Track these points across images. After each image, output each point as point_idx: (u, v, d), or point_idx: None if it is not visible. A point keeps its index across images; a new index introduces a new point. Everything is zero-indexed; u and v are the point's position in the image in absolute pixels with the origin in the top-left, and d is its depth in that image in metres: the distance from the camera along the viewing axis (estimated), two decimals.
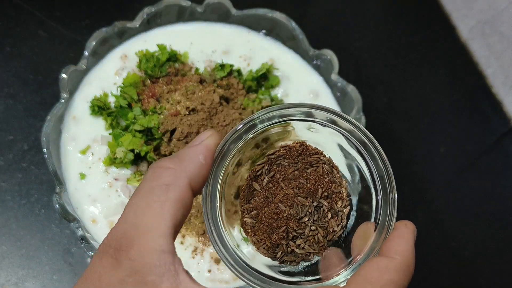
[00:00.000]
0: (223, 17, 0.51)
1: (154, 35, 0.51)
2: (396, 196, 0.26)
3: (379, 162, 0.28)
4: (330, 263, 0.28)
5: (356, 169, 0.29)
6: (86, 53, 0.47)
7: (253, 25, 0.52)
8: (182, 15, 0.51)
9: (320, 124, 0.28)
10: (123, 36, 0.50)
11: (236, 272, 0.25)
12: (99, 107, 0.46)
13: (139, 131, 0.45)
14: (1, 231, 0.47)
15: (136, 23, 0.49)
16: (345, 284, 0.23)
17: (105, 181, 0.45)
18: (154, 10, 0.49)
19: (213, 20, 0.52)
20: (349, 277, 0.25)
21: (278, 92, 0.50)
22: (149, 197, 0.24)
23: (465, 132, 0.57)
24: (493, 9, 0.57)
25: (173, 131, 0.45)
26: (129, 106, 0.46)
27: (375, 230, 0.27)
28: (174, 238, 0.24)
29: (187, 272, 0.23)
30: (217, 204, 0.26)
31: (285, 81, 0.50)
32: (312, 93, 0.50)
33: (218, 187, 0.27)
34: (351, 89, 0.48)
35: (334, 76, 0.49)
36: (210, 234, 0.26)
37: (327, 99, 0.50)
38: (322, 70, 0.51)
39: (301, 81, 0.51)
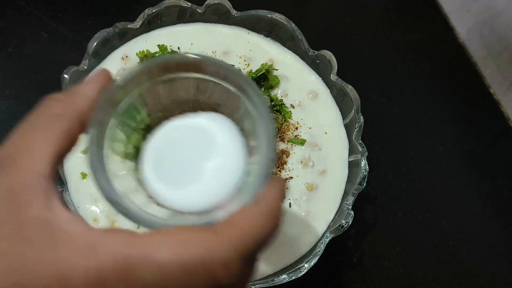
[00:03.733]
0: (223, 18, 0.52)
1: (155, 36, 0.51)
2: (271, 153, 0.26)
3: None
4: None
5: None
6: (87, 54, 0.47)
7: (253, 26, 0.52)
8: (182, 16, 0.51)
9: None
10: (124, 37, 0.50)
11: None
12: None
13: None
14: None
15: (137, 24, 0.49)
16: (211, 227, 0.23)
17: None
18: (154, 11, 0.49)
19: (213, 21, 0.52)
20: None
21: (277, 93, 0.50)
22: (36, 123, 0.24)
23: (463, 132, 0.57)
24: (491, 10, 0.57)
25: None
26: None
27: None
28: (55, 167, 0.24)
29: (61, 202, 0.23)
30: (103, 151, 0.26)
31: (284, 82, 0.50)
32: (311, 93, 0.51)
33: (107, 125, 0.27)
34: (350, 89, 0.48)
35: (333, 77, 0.49)
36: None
37: (326, 99, 0.51)
38: (321, 70, 0.51)
39: (300, 81, 0.51)
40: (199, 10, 0.51)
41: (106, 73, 0.27)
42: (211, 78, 0.29)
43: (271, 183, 0.25)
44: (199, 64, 0.28)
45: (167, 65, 0.28)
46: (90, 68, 0.48)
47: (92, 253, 0.21)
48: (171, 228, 0.23)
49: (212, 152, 0.28)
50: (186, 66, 0.28)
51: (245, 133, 0.30)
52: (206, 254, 0.22)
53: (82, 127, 0.25)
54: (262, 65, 0.50)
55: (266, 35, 0.52)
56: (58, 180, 0.44)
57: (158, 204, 0.28)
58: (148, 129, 0.30)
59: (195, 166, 0.28)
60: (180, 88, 0.30)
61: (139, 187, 0.28)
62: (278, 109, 0.49)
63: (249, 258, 0.23)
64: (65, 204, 0.23)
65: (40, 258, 0.21)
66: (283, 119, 0.49)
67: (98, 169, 0.25)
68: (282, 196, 0.26)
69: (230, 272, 0.22)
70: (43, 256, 0.21)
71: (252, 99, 0.28)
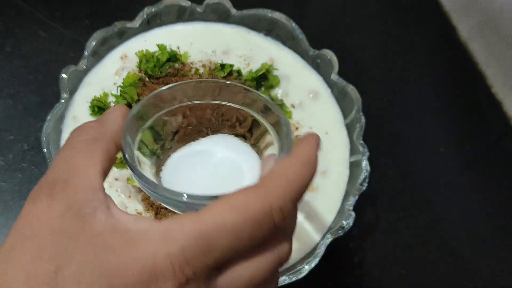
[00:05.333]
0: (223, 17, 0.52)
1: (154, 35, 0.51)
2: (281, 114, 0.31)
3: None
4: None
5: None
6: (86, 53, 0.47)
7: (253, 25, 0.52)
8: (182, 15, 0.51)
9: None
10: (123, 36, 0.50)
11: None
12: (99, 108, 0.46)
13: None
14: (2, 231, 0.47)
15: (136, 23, 0.49)
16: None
17: (105, 181, 0.45)
18: (154, 10, 0.49)
19: (213, 20, 0.52)
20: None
21: (277, 92, 0.50)
22: (79, 147, 0.27)
23: (465, 132, 0.57)
24: (493, 9, 0.57)
25: (176, 132, 0.45)
26: (129, 106, 0.47)
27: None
28: (103, 180, 0.27)
29: (118, 208, 0.25)
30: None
31: (284, 81, 0.50)
32: (311, 93, 0.50)
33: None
34: (351, 89, 0.48)
35: (334, 76, 0.49)
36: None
37: (327, 99, 0.50)
38: (322, 70, 0.51)
39: (301, 81, 0.51)
40: (198, 9, 0.51)
41: (123, 107, 0.31)
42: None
43: (304, 138, 0.29)
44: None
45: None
46: (89, 67, 0.48)
47: (169, 239, 0.23)
48: (225, 197, 0.25)
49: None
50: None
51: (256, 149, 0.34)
52: (267, 206, 0.24)
53: (117, 148, 0.29)
54: (262, 64, 0.50)
55: (266, 34, 0.52)
56: None
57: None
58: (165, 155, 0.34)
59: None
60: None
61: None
62: None
63: (296, 203, 0.26)
64: (118, 208, 0.25)
65: (125, 260, 0.23)
66: None
67: (141, 175, 0.29)
68: (317, 145, 0.29)
69: (286, 217, 0.25)
70: (126, 257, 0.23)
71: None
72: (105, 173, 0.27)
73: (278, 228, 0.25)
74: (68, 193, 0.24)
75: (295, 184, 0.26)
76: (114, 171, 0.46)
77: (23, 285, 0.22)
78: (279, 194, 0.25)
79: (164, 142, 0.34)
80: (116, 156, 0.29)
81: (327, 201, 0.46)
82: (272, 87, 0.50)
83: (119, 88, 0.47)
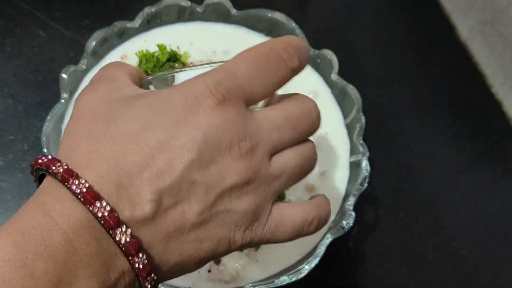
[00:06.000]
0: (223, 17, 0.52)
1: (154, 35, 0.51)
2: None
3: None
4: None
5: None
6: (86, 53, 0.47)
7: (253, 25, 0.52)
8: (182, 15, 0.51)
9: None
10: (123, 36, 0.50)
11: None
12: None
13: None
14: None
15: (136, 23, 0.49)
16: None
17: None
18: (154, 10, 0.49)
19: (213, 20, 0.52)
20: None
21: (277, 92, 0.50)
22: (110, 65, 0.32)
23: (465, 132, 0.57)
24: (493, 9, 0.57)
25: None
26: None
27: None
28: None
29: None
30: None
31: None
32: (312, 92, 0.50)
33: None
34: (351, 89, 0.48)
35: (334, 76, 0.49)
36: None
37: (327, 99, 0.50)
38: (322, 70, 0.51)
39: (301, 81, 0.50)
40: (198, 9, 0.51)
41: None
42: None
43: None
44: None
45: None
46: (89, 67, 0.48)
47: (201, 77, 0.28)
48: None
49: None
50: None
51: None
52: (271, 44, 0.29)
53: (138, 74, 0.33)
54: None
55: (267, 34, 0.52)
56: None
57: None
58: None
59: None
60: None
61: None
62: None
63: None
64: None
65: (168, 95, 0.27)
66: None
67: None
68: None
69: (292, 53, 0.30)
70: (169, 93, 0.27)
71: None
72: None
73: (286, 61, 0.29)
74: (108, 83, 0.30)
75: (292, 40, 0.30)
76: None
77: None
78: (282, 39, 0.30)
79: None
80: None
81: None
82: None
83: None
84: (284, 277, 0.41)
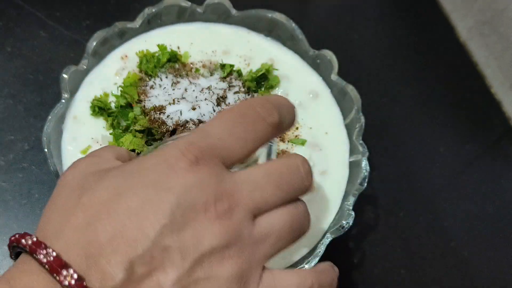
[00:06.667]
0: (223, 17, 0.52)
1: (154, 35, 0.51)
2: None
3: None
4: None
5: None
6: (86, 53, 0.47)
7: (253, 25, 0.52)
8: (182, 16, 0.51)
9: None
10: (124, 36, 0.50)
11: None
12: (99, 108, 0.47)
13: (140, 131, 0.45)
14: (2, 231, 0.47)
15: (137, 23, 0.49)
16: None
17: None
18: (154, 10, 0.49)
19: (213, 21, 0.52)
20: None
21: (278, 92, 0.50)
22: (98, 150, 0.34)
23: (464, 132, 0.57)
24: (492, 9, 0.57)
25: (173, 131, 0.45)
26: (130, 106, 0.47)
27: None
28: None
29: None
30: None
31: (284, 81, 0.50)
32: (311, 93, 0.50)
33: None
34: (351, 89, 0.48)
35: (334, 76, 0.49)
36: None
37: (327, 99, 0.50)
38: (322, 70, 0.51)
39: (300, 81, 0.51)
40: (199, 10, 0.51)
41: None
42: None
43: None
44: None
45: None
46: (90, 67, 0.48)
47: (173, 143, 0.27)
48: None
49: None
50: None
51: None
52: (248, 103, 0.28)
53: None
54: (262, 64, 0.50)
55: (267, 35, 0.52)
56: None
57: None
58: None
59: None
60: None
61: None
62: None
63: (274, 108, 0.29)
64: None
65: (141, 163, 0.27)
66: None
67: None
68: None
69: (267, 107, 0.28)
70: (142, 162, 0.27)
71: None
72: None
73: (263, 116, 0.28)
74: (89, 159, 0.30)
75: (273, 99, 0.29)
76: None
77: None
78: (260, 97, 0.29)
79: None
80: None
81: (327, 201, 0.46)
82: (272, 87, 0.50)
83: (120, 88, 0.47)
84: None
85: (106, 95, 0.47)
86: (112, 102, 0.47)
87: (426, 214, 0.52)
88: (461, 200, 0.53)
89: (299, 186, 0.28)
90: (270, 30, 0.52)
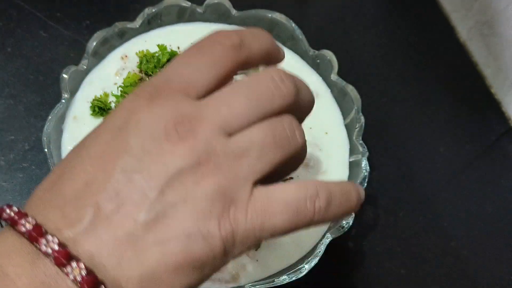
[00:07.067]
0: (223, 17, 0.52)
1: (154, 36, 0.51)
2: None
3: None
4: None
5: None
6: (86, 53, 0.47)
7: (253, 25, 0.52)
8: (182, 16, 0.51)
9: None
10: (124, 36, 0.50)
11: None
12: (99, 108, 0.47)
13: None
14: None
15: (137, 23, 0.49)
16: None
17: None
18: (154, 10, 0.49)
19: (213, 21, 0.52)
20: None
21: None
22: None
23: (464, 132, 0.57)
24: (492, 9, 0.57)
25: None
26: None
27: None
28: None
29: None
30: None
31: None
32: None
33: None
34: (351, 89, 0.48)
35: (334, 77, 0.49)
36: None
37: (327, 99, 0.50)
38: (322, 70, 0.51)
39: None
40: (199, 10, 0.51)
41: None
42: None
43: None
44: None
45: None
46: (90, 67, 0.48)
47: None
48: None
49: None
50: None
51: None
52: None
53: None
54: None
55: None
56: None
57: None
58: None
59: None
60: None
61: None
62: None
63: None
64: None
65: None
66: None
67: None
68: None
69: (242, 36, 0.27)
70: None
71: None
72: None
73: (217, 40, 0.27)
74: None
75: None
76: None
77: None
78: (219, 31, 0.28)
79: None
80: None
81: None
82: None
83: (120, 88, 0.47)
84: (284, 277, 0.41)
85: (106, 95, 0.47)
86: (112, 102, 0.47)
87: (426, 214, 0.52)
88: (461, 200, 0.53)
89: (277, 94, 0.26)
90: (270, 30, 0.52)
